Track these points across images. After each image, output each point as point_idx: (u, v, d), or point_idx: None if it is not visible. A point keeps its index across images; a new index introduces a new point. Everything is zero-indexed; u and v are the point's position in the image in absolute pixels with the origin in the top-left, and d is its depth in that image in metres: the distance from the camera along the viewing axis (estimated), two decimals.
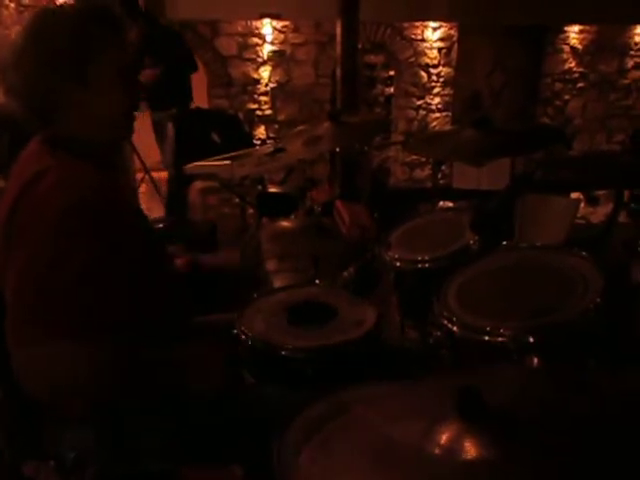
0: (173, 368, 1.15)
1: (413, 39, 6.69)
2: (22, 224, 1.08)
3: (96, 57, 1.11)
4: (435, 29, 6.70)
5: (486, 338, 1.02)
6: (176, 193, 4.09)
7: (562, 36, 7.18)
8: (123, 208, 1.19)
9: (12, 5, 5.66)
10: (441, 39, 6.76)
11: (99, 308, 1.06)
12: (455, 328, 1.08)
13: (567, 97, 7.44)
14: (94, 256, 1.05)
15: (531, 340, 0.97)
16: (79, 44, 1.09)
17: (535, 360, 0.80)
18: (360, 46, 4.73)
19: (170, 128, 4.02)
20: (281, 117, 6.35)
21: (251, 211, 3.01)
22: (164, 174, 4.34)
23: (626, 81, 7.56)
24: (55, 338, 1.01)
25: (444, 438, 0.63)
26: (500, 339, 1.00)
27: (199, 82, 5.83)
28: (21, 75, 1.09)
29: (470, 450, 0.61)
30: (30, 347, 1.01)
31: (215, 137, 4.08)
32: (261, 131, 6.34)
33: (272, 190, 2.74)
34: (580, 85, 7.44)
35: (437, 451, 0.62)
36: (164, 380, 1.13)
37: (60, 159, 1.13)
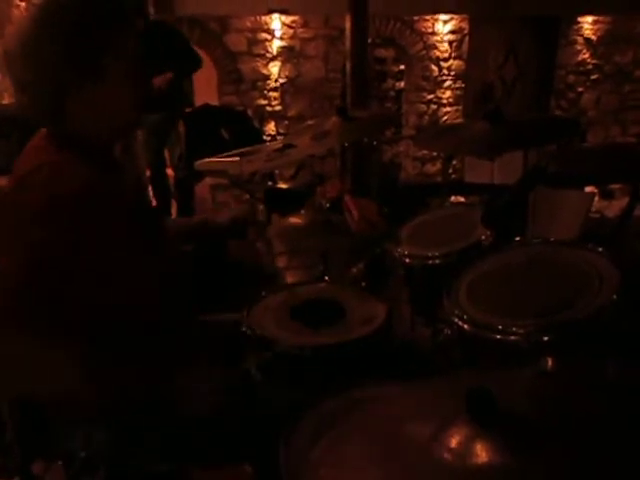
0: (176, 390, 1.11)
1: (423, 32, 6.63)
2: (4, 224, 1.03)
3: (110, 48, 1.05)
4: (446, 22, 6.63)
5: (498, 337, 0.99)
6: (185, 191, 4.08)
7: (576, 27, 7.08)
8: (119, 209, 1.12)
9: (23, 4, 5.68)
10: (452, 32, 6.69)
11: (84, 308, 1.02)
12: (466, 326, 1.05)
13: (581, 89, 7.33)
14: (79, 255, 1.01)
15: (545, 339, 0.94)
16: (94, 34, 1.03)
17: (549, 360, 0.77)
18: (370, 40, 4.70)
19: (181, 126, 4.00)
20: (291, 113, 6.33)
21: (261, 207, 3.00)
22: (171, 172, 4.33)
23: None
24: (39, 340, 0.96)
25: (454, 442, 0.61)
26: (513, 338, 0.97)
27: (209, 79, 5.82)
28: (30, 68, 1.02)
29: (481, 455, 0.59)
30: (10, 347, 0.96)
31: (224, 134, 4.07)
32: (271, 127, 6.32)
33: (280, 186, 2.72)
34: (594, 77, 7.33)
35: (447, 455, 0.60)
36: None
37: (58, 155, 1.07)
